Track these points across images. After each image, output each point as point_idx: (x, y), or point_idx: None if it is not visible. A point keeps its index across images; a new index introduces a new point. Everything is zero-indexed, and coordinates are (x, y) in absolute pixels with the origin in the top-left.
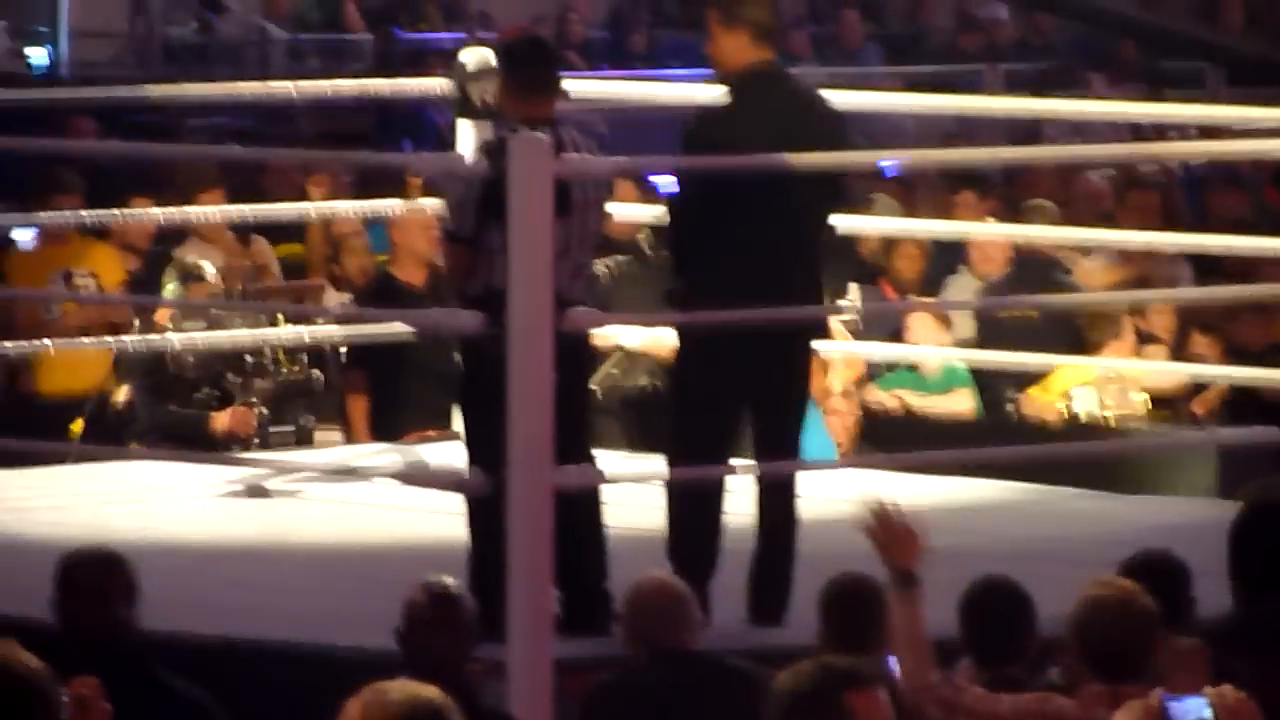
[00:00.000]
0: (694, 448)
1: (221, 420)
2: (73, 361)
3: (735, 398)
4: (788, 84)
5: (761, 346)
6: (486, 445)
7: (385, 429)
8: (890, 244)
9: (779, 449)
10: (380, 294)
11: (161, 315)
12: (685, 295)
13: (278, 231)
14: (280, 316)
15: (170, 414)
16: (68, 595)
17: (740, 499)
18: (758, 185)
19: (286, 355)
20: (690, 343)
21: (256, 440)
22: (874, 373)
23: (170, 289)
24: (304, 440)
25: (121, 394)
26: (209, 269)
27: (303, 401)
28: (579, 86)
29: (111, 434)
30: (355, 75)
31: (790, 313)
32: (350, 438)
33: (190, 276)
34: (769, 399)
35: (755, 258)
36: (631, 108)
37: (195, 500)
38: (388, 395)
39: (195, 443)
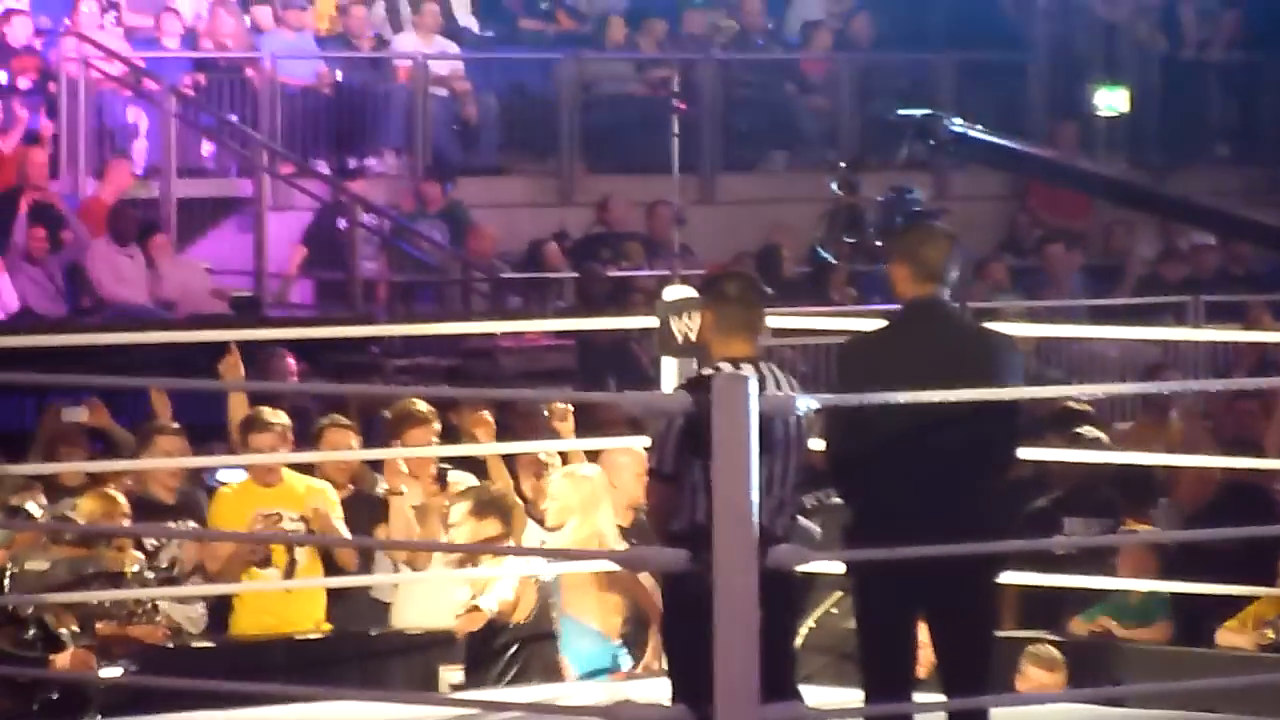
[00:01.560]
0: (877, 679)
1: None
2: (274, 603)
3: (910, 628)
4: (945, 318)
5: (929, 579)
6: (692, 682)
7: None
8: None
9: (961, 681)
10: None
11: None
12: (851, 526)
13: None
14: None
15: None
16: None
17: None
18: (905, 414)
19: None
20: (861, 575)
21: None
22: (1079, 605)
23: None
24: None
25: None
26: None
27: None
28: (782, 322)
29: None
30: (558, 313)
31: (960, 547)
32: (563, 675)
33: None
34: (945, 631)
35: (907, 485)
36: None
37: None
38: None
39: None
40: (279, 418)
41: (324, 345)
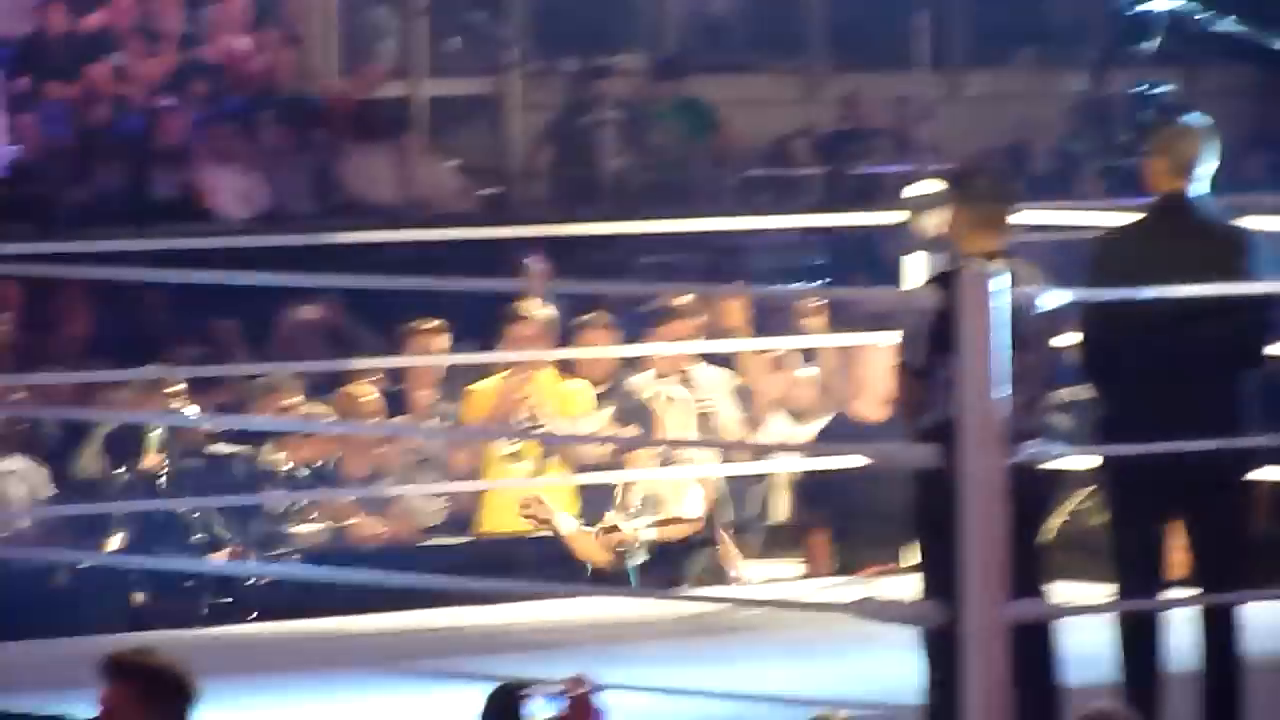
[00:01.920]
0: (1126, 574)
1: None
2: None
3: (1162, 526)
4: (1197, 213)
5: (1181, 476)
6: (940, 578)
7: (841, 563)
8: None
9: (1216, 579)
10: (837, 432)
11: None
12: (1102, 422)
13: None
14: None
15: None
16: None
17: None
18: (1156, 309)
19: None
20: (1113, 472)
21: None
22: None
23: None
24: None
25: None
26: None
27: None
28: (1030, 217)
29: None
30: (805, 210)
31: (1204, 444)
32: (811, 571)
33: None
34: (1199, 529)
35: (1158, 381)
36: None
37: (649, 638)
38: (844, 530)
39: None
40: (540, 310)
41: (572, 244)
